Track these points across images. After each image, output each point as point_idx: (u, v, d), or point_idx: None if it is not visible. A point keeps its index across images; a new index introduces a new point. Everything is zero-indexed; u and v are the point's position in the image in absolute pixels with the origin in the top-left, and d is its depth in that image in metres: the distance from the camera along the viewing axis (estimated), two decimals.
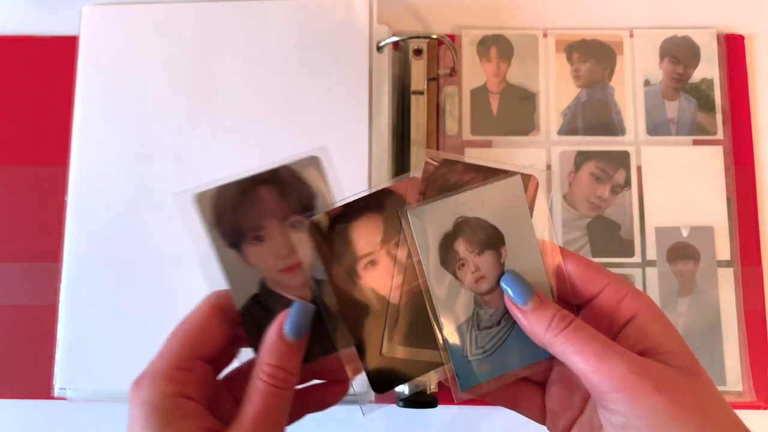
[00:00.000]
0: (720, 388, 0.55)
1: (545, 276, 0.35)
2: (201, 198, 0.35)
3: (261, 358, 0.32)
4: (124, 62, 0.59)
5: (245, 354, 0.36)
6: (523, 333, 0.34)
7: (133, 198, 0.57)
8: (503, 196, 0.35)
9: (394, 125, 0.59)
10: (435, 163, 0.34)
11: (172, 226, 0.56)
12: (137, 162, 0.57)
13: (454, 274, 0.35)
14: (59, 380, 0.55)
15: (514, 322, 0.35)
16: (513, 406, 0.38)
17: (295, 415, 0.36)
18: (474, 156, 0.60)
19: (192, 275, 0.54)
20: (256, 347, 0.34)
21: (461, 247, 0.35)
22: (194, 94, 0.58)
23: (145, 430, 0.30)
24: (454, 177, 0.35)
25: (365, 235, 0.35)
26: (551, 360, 0.36)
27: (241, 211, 0.35)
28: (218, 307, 0.34)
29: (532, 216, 0.36)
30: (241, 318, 0.34)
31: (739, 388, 0.55)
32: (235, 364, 0.37)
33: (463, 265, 0.35)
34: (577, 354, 0.31)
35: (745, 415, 0.59)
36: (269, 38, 0.59)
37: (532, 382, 0.38)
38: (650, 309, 0.34)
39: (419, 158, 0.34)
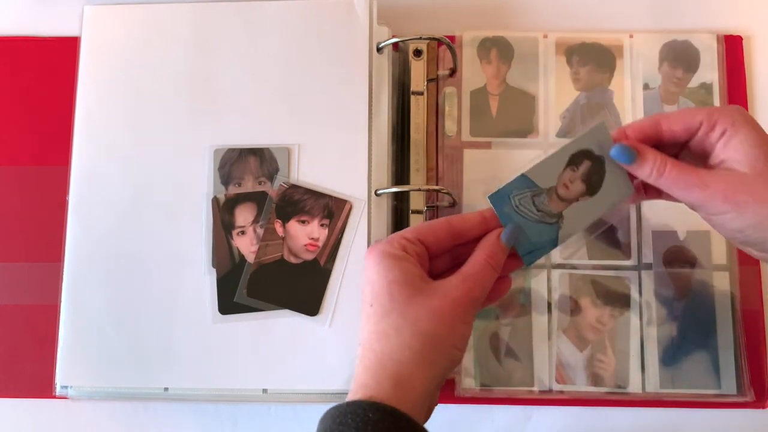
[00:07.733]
0: (716, 390, 0.56)
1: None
2: (216, 151, 0.57)
3: (484, 247, 0.45)
4: (125, 62, 0.59)
5: None
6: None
7: (133, 198, 0.57)
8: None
9: (393, 126, 0.59)
10: (285, 186, 0.55)
11: (173, 226, 0.56)
12: (138, 162, 0.58)
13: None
14: (61, 379, 0.55)
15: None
16: None
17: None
18: (472, 157, 0.60)
19: (192, 275, 0.55)
20: None
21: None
22: (195, 95, 0.58)
23: (378, 266, 0.43)
24: (296, 195, 0.55)
25: (242, 214, 0.55)
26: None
27: (234, 165, 0.56)
28: (448, 223, 0.46)
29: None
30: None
31: (735, 391, 0.55)
32: None
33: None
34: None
35: (741, 415, 0.60)
36: (269, 38, 0.59)
37: None
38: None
39: (279, 183, 0.55)
